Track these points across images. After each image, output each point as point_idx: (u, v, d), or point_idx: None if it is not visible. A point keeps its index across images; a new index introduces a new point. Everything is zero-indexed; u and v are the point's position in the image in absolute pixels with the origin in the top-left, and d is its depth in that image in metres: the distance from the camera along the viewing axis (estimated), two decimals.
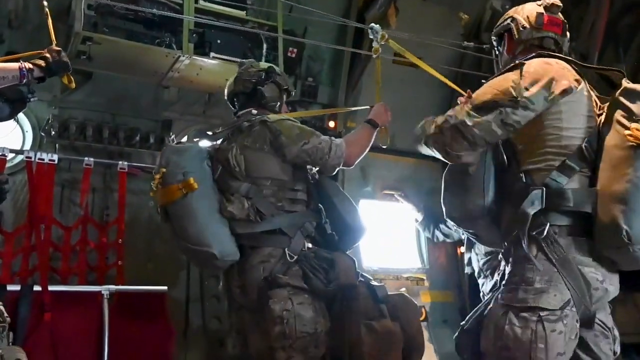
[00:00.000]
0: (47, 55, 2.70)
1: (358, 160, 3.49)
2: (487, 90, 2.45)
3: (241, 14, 5.40)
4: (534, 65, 2.45)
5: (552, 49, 2.67)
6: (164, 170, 3.20)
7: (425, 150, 2.64)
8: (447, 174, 2.65)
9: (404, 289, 6.46)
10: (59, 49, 2.76)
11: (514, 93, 2.36)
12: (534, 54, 2.57)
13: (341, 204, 3.46)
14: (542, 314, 2.26)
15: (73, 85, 2.88)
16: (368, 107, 3.74)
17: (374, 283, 3.47)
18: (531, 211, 2.32)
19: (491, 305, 2.44)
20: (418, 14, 6.18)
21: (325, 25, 6.07)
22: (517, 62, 2.49)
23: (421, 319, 6.47)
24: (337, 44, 6.27)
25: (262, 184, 3.28)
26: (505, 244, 2.45)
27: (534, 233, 2.33)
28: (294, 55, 5.86)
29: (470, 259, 5.75)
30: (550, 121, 2.40)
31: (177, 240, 3.24)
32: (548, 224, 2.32)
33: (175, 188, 3.17)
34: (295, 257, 3.22)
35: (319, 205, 3.42)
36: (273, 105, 3.54)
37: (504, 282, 2.43)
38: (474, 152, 2.44)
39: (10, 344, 2.82)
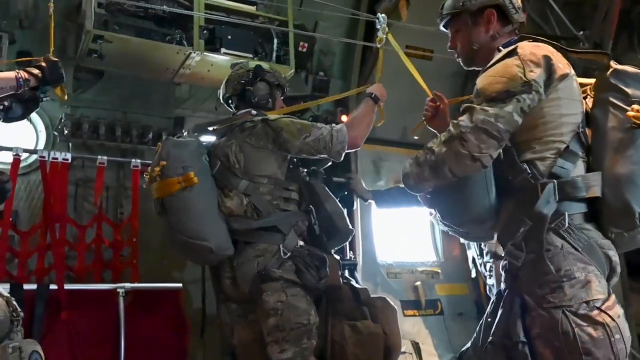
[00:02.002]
0: (43, 64, 2.70)
1: (364, 140, 3.51)
2: (494, 79, 2.31)
3: (251, 9, 5.39)
4: (529, 49, 2.34)
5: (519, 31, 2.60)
6: (163, 163, 3.23)
7: (424, 184, 2.40)
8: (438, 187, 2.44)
9: (419, 282, 6.46)
10: (56, 59, 2.76)
11: (524, 77, 2.25)
12: (516, 37, 2.51)
13: (331, 207, 3.54)
14: (597, 304, 2.16)
15: (65, 97, 2.90)
16: (364, 87, 3.77)
17: (357, 285, 3.59)
18: (548, 211, 2.22)
19: (534, 312, 2.24)
20: (430, 5, 6.13)
21: (336, 18, 6.05)
22: (510, 48, 2.37)
23: (437, 312, 6.52)
24: (348, 37, 6.25)
25: (260, 182, 3.34)
26: (512, 240, 2.33)
27: (552, 225, 2.24)
28: (305, 50, 5.85)
29: (473, 259, 5.76)
30: (549, 108, 2.31)
31: (172, 233, 3.27)
32: (566, 214, 2.24)
33: (174, 181, 3.20)
34: (289, 254, 3.26)
35: (310, 206, 3.46)
36: (265, 103, 3.59)
37: (533, 280, 2.26)
38: (500, 149, 2.29)
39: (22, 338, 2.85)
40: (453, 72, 6.73)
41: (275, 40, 5.32)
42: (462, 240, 5.54)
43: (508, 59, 2.33)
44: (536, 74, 2.26)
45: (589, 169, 2.35)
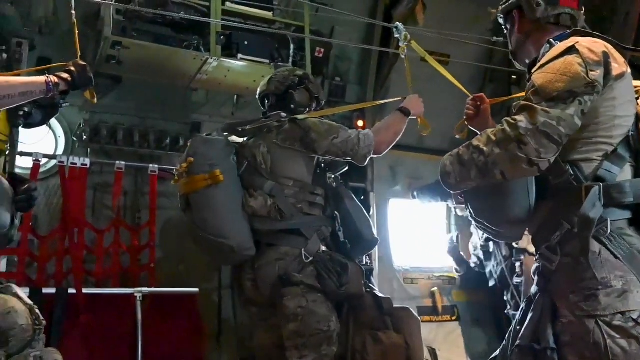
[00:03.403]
0: (73, 68, 2.72)
1: (390, 147, 3.48)
2: (555, 77, 2.13)
3: (268, 15, 5.40)
4: (587, 45, 2.19)
5: (569, 25, 2.44)
6: (191, 159, 3.24)
7: (467, 184, 2.26)
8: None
9: (436, 288, 6.44)
10: (84, 63, 2.78)
11: (587, 77, 2.09)
12: (568, 32, 2.36)
13: (356, 214, 3.52)
14: (634, 316, 2.03)
15: (95, 100, 2.91)
16: (399, 98, 3.73)
17: (380, 295, 3.55)
18: (595, 215, 2.07)
19: (565, 319, 2.14)
20: (446, 10, 6.13)
21: (353, 24, 6.05)
22: (568, 44, 2.22)
23: (453, 318, 6.48)
24: (364, 42, 6.26)
25: (285, 184, 3.33)
26: (547, 242, 2.22)
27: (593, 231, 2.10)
28: (321, 55, 5.85)
29: (490, 272, 5.78)
30: (605, 108, 2.17)
31: (196, 230, 3.27)
32: (609, 220, 2.11)
33: (200, 178, 3.21)
34: (311, 258, 3.25)
35: (335, 212, 3.45)
36: (302, 111, 3.56)
37: (567, 285, 2.15)
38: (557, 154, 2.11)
39: (44, 346, 2.86)
40: (470, 76, 6.71)
41: (292, 46, 5.33)
42: (472, 253, 5.62)
43: (568, 56, 2.17)
44: (597, 73, 2.12)
45: (636, 174, 2.22)
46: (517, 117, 2.11)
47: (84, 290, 4.44)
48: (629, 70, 2.25)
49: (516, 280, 5.42)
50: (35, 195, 2.88)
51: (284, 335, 3.23)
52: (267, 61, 5.14)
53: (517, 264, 5.45)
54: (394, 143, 3.51)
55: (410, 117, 3.58)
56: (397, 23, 3.78)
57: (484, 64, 6.48)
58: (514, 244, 5.46)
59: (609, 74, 2.15)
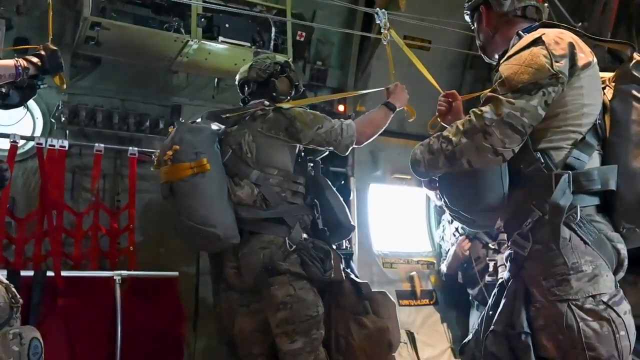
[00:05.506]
0: (43, 52, 2.70)
1: (370, 140, 3.55)
2: (520, 69, 2.21)
3: None
4: (553, 37, 2.26)
5: (535, 17, 2.53)
6: (177, 147, 3.24)
7: (436, 172, 2.38)
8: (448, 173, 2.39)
9: (414, 272, 6.49)
10: (55, 48, 2.76)
11: (551, 69, 2.17)
12: (537, 24, 2.45)
13: (335, 202, 3.61)
14: (604, 299, 2.12)
15: (64, 86, 2.90)
16: (383, 88, 3.78)
17: (358, 280, 3.60)
18: (565, 203, 2.15)
19: (538, 303, 2.21)
20: None
21: (335, 8, 6.03)
22: (535, 36, 2.30)
23: (432, 302, 6.54)
24: (346, 27, 6.24)
25: (270, 173, 3.37)
26: (519, 229, 2.29)
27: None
28: (302, 39, 5.84)
29: (458, 270, 5.91)
30: (572, 97, 2.23)
31: (179, 217, 3.27)
32: (578, 207, 2.19)
33: (186, 166, 3.22)
34: (294, 246, 3.28)
35: (315, 200, 3.50)
36: (283, 99, 3.59)
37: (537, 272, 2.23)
38: (522, 143, 2.20)
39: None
40: (451, 62, 6.73)
41: (273, 29, 5.30)
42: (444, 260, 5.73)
43: (534, 48, 2.25)
44: (562, 64, 2.20)
45: (603, 162, 2.30)
46: (483, 108, 2.21)
47: (63, 273, 4.40)
48: (595, 59, 2.33)
49: (487, 279, 5.53)
50: (6, 175, 2.86)
51: (272, 323, 3.27)
52: (249, 44, 5.11)
53: (491, 264, 5.56)
54: (376, 135, 3.56)
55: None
56: (378, 9, 3.81)
57: (465, 50, 6.50)
58: (490, 245, 5.58)
59: (575, 64, 2.23)
